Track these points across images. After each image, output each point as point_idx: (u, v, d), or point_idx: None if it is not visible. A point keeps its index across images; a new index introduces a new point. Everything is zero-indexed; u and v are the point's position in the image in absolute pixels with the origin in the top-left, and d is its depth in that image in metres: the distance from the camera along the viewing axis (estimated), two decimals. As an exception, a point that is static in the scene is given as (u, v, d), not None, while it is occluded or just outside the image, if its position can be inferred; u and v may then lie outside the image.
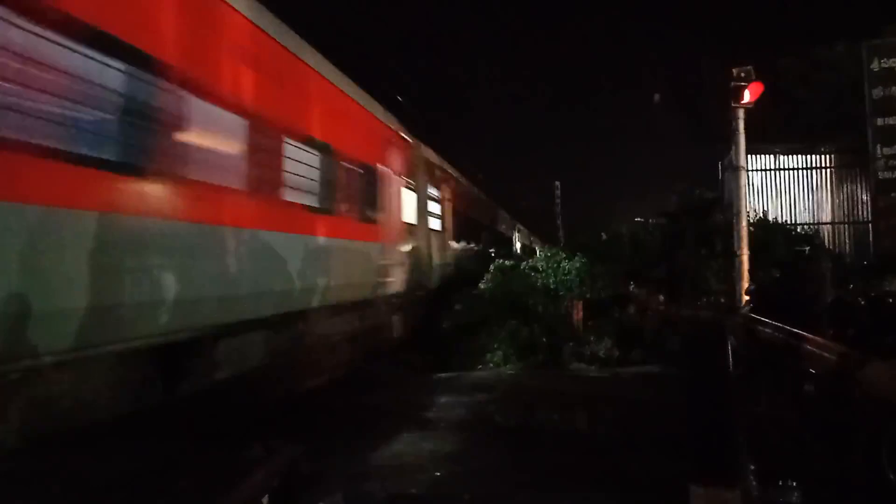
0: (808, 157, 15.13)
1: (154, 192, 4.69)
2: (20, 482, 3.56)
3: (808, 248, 8.16)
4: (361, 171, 8.73)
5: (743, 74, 9.47)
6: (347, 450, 5.90)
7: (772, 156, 15.18)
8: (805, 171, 15.16)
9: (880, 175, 13.46)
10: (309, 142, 7.12)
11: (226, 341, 5.58)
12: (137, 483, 4.06)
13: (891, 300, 6.16)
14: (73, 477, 3.81)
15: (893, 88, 13.33)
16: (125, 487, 3.98)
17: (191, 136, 5.11)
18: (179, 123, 4.94)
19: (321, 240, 7.50)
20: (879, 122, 13.42)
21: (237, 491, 3.64)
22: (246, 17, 5.96)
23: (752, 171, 14.28)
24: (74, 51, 3.92)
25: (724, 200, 14.32)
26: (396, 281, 10.36)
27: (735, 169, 10.03)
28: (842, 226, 14.90)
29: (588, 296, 11.69)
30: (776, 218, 14.40)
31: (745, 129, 9.77)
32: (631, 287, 11.94)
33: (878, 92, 13.40)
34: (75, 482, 3.80)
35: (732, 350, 5.97)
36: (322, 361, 7.84)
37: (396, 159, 10.50)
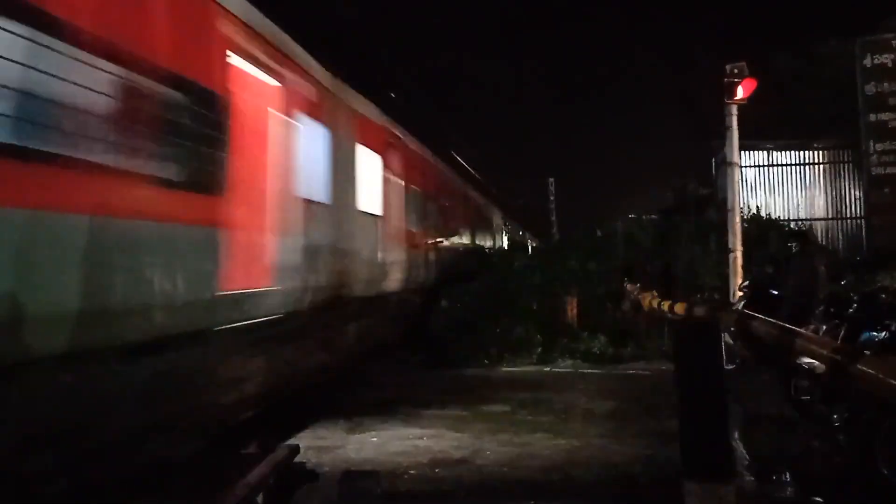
0: (802, 153, 15.16)
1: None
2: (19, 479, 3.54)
3: (794, 245, 8.10)
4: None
5: (736, 71, 9.48)
6: (344, 447, 5.90)
7: (765, 152, 15.21)
8: (798, 168, 15.19)
9: (873, 171, 13.52)
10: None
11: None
12: (132, 481, 4.04)
13: (884, 296, 6.18)
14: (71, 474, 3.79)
15: (886, 85, 13.37)
16: (122, 485, 3.96)
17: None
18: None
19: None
20: (872, 118, 13.46)
21: (232, 489, 3.62)
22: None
23: (746, 167, 14.31)
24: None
25: (717, 196, 14.36)
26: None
27: (728, 165, 10.04)
28: (835, 221, 14.96)
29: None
30: (770, 214, 14.45)
31: (739, 125, 9.79)
32: (625, 283, 11.96)
33: (870, 88, 13.44)
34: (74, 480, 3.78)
35: (726, 346, 5.97)
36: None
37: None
